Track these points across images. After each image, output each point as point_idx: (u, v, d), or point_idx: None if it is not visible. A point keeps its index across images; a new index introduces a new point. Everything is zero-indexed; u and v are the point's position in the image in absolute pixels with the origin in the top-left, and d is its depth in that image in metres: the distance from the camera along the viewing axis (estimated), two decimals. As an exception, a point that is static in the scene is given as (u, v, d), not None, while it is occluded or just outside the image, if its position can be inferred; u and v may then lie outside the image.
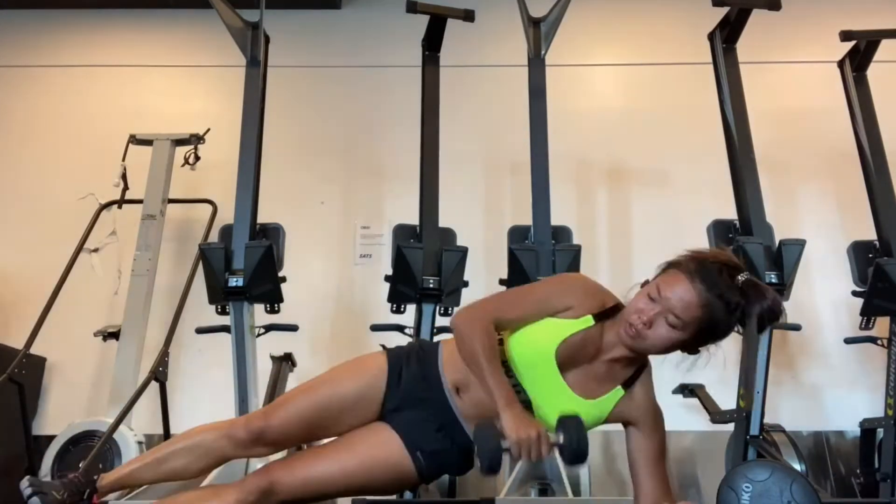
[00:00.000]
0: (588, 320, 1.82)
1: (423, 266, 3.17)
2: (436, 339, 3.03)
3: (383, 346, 2.15)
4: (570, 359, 1.82)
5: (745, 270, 1.75)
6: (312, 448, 1.99)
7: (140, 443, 3.38)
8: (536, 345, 1.83)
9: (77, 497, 1.93)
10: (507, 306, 1.87)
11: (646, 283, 1.82)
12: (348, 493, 1.92)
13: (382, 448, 1.86)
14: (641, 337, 1.75)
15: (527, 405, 1.80)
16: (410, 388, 1.90)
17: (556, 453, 1.74)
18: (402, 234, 3.39)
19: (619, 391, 1.86)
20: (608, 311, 1.84)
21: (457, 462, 1.94)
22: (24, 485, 1.88)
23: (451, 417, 1.88)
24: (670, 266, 1.79)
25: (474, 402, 1.86)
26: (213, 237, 3.59)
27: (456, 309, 1.91)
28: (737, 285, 1.71)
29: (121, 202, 4.18)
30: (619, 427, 1.94)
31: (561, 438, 1.69)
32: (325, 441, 1.96)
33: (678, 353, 1.82)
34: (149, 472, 1.98)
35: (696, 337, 1.75)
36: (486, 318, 1.81)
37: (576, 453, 1.67)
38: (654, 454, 1.87)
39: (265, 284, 3.12)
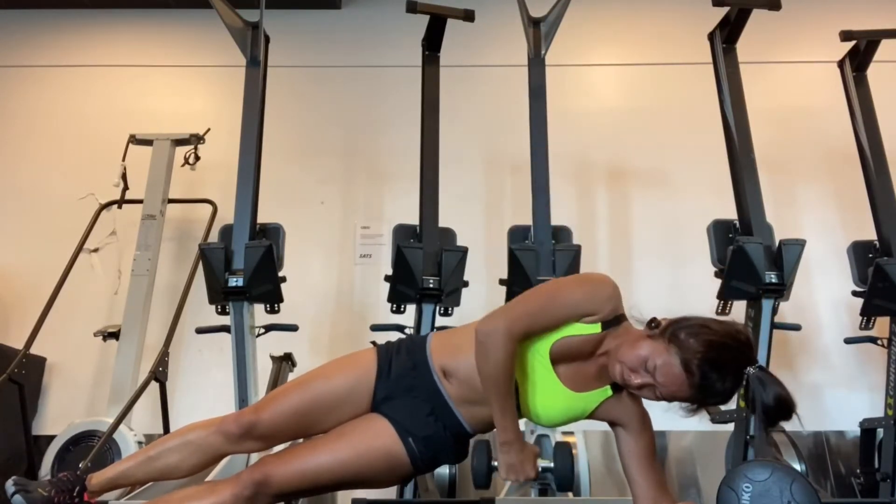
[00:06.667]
0: (596, 327, 1.83)
1: (423, 266, 3.17)
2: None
3: (373, 343, 2.16)
4: (564, 354, 1.85)
5: (755, 362, 1.74)
6: (306, 441, 1.99)
7: (140, 443, 3.39)
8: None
9: (66, 495, 1.92)
10: (536, 320, 1.82)
11: (653, 322, 1.81)
12: (343, 483, 1.92)
13: (375, 436, 1.87)
14: (628, 387, 1.81)
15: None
16: (400, 376, 1.92)
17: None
18: (402, 234, 3.38)
19: (606, 390, 1.89)
20: (615, 320, 1.85)
21: (450, 448, 1.93)
22: (9, 484, 1.88)
23: (441, 401, 1.90)
24: (674, 341, 1.73)
25: (463, 385, 1.88)
26: (213, 237, 3.58)
27: (483, 316, 1.82)
28: (739, 380, 1.73)
29: (121, 202, 4.18)
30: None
31: (551, 464, 1.79)
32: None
33: None
34: (140, 471, 1.97)
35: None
36: (513, 336, 1.78)
37: (563, 479, 1.84)
38: (644, 454, 1.89)
39: (265, 284, 3.12)
